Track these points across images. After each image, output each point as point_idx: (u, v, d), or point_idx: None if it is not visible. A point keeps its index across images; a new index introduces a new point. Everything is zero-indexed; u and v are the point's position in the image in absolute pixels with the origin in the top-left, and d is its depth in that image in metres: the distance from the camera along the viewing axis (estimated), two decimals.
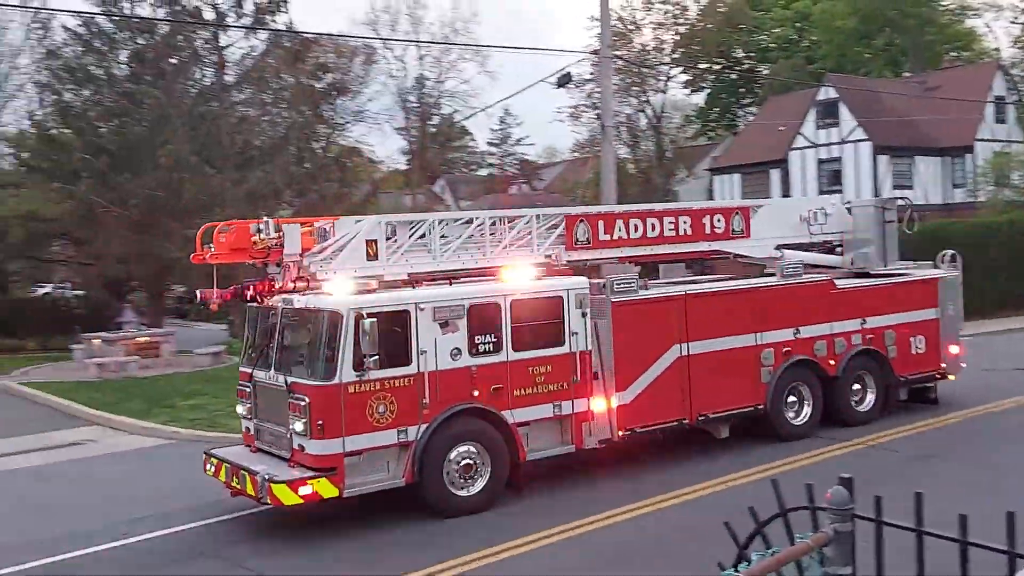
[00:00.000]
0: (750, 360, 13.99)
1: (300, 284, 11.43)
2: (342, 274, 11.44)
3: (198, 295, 11.71)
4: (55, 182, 33.37)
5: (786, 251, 15.44)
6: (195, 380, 24.37)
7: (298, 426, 10.83)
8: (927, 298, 16.08)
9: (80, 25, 34.00)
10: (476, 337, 11.62)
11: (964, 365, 16.85)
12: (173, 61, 33.87)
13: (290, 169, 33.89)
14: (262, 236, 11.10)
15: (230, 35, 35.71)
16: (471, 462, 11.57)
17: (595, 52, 26.35)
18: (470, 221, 12.66)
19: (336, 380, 10.68)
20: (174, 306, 45.17)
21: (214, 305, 11.49)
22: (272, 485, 10.45)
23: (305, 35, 37.19)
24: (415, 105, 58.36)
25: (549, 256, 13.10)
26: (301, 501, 10.54)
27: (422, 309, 11.24)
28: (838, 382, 14.98)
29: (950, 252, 16.91)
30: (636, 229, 13.90)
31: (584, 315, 12.47)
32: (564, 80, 24.73)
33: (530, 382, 12.03)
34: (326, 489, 10.62)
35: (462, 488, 11.53)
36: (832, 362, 14.87)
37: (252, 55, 36.29)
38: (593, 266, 14.82)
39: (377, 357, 10.68)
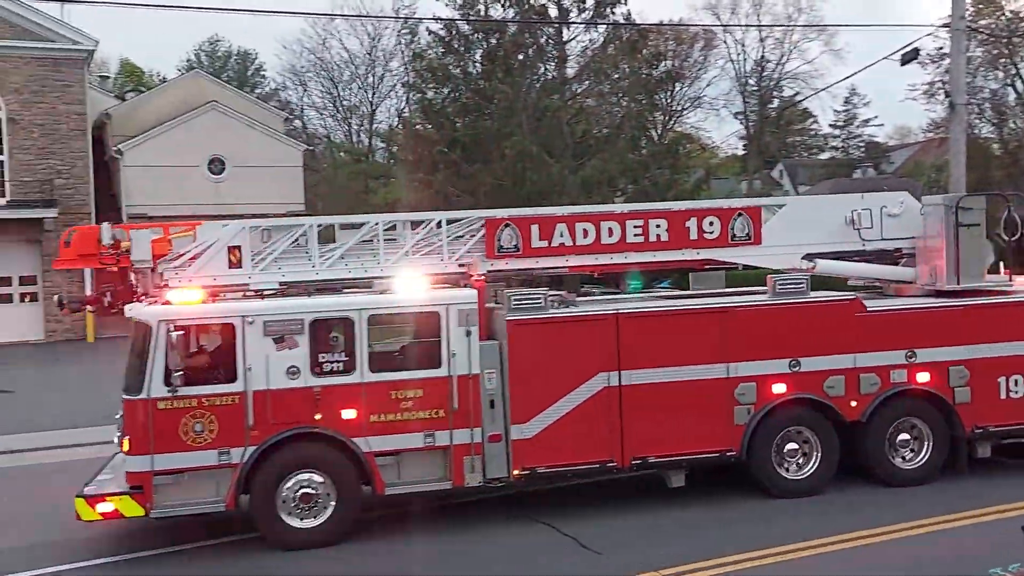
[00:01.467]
0: (717, 396, 11.36)
1: (154, 293, 11.10)
2: (199, 282, 10.92)
3: (55, 298, 11.82)
4: (418, 173, 37.18)
5: (821, 261, 12.38)
6: None
7: (123, 442, 10.54)
8: None
9: (442, 28, 37.97)
10: (320, 355, 10.55)
11: None
12: (520, 57, 36.54)
13: (625, 157, 35.04)
14: (104, 243, 10.91)
15: (571, 29, 37.83)
16: (311, 491, 10.53)
17: (945, 25, 23.33)
18: (359, 225, 11.52)
19: (144, 395, 10.21)
20: None
21: (73, 309, 11.53)
22: (76, 499, 10.25)
23: (643, 26, 38.52)
24: (754, 88, 56.92)
25: (464, 265, 11.59)
26: (100, 518, 10.23)
27: (250, 322, 10.41)
28: (864, 430, 11.73)
29: None
30: (586, 235, 11.83)
31: (468, 333, 10.85)
32: (910, 56, 21.77)
33: (394, 408, 10.70)
34: (128, 508, 10.20)
35: (303, 519, 10.55)
36: (854, 404, 11.65)
37: (592, 47, 38.17)
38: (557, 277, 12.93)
39: (182, 372, 10.07)
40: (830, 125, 72.21)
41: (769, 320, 11.54)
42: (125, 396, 10.49)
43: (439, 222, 11.66)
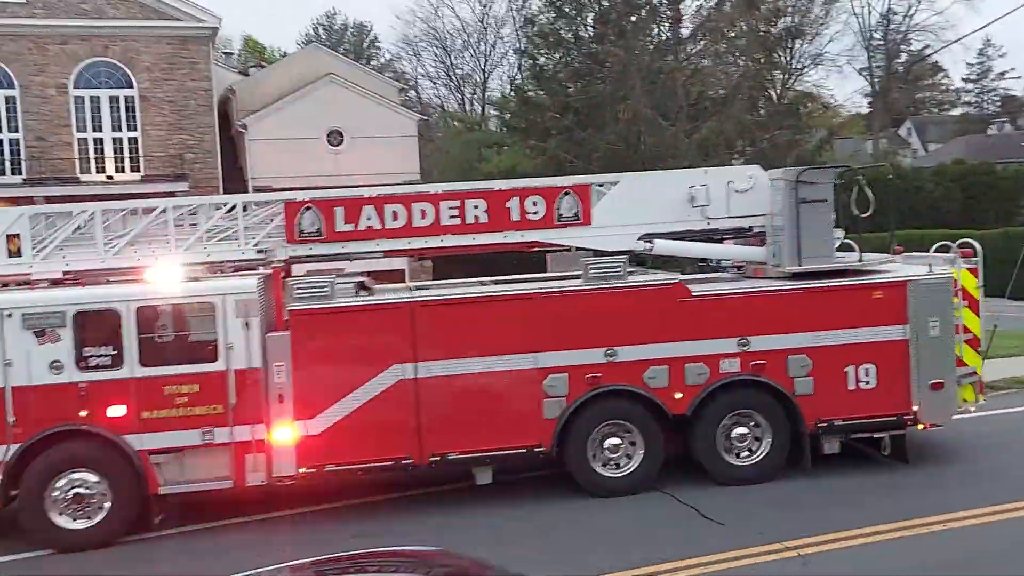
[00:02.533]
0: (525, 388, 10.58)
1: None
2: None
3: None
4: (531, 140, 37.09)
5: (659, 242, 11.48)
6: None
7: None
8: (885, 311, 11.01)
9: None
10: (86, 349, 10.02)
11: (971, 410, 11.44)
12: (633, 19, 35.56)
13: (742, 118, 34.05)
14: None
15: None
16: (84, 491, 10.05)
17: None
18: (150, 211, 10.94)
19: None
20: None
21: None
22: None
23: None
24: (880, 43, 55.02)
25: (263, 252, 10.97)
26: None
27: (9, 315, 9.91)
28: (693, 424, 10.86)
29: (959, 243, 11.55)
30: (396, 217, 11.10)
31: (248, 325, 10.22)
32: None
33: (167, 403, 10.15)
34: None
35: (75, 519, 10.08)
36: (678, 396, 10.77)
37: (707, 6, 36.94)
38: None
39: None
40: (962, 79, 69.91)
41: (581, 306, 10.70)
42: None
43: (232, 206, 11.06)
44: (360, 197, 11.21)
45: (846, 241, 12.21)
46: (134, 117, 32.59)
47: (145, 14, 32.55)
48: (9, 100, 31.32)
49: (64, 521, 10.07)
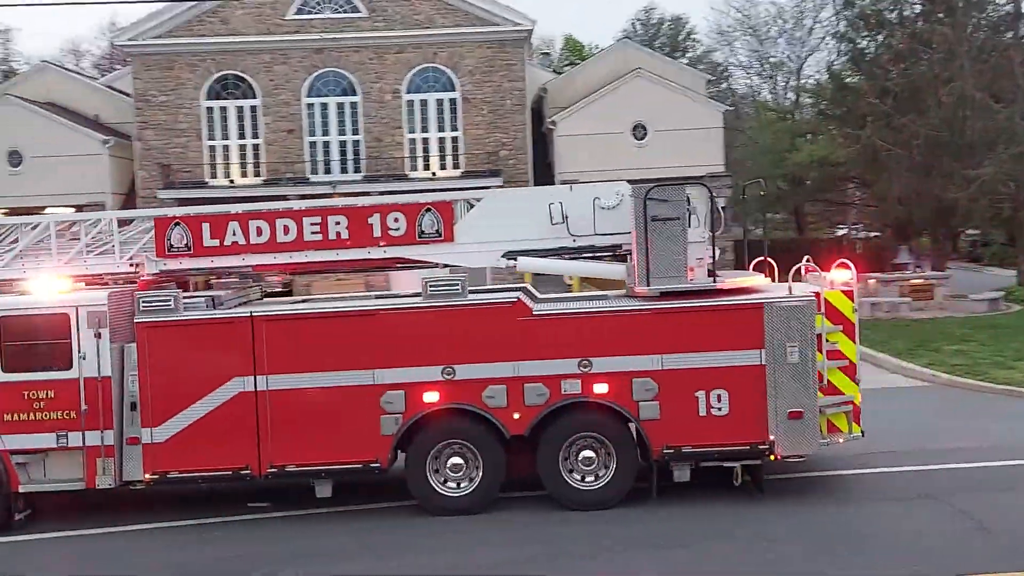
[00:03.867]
0: (363, 404, 10.70)
1: None
2: None
3: None
4: (846, 127, 37.57)
5: (523, 259, 11.38)
6: (966, 325, 24.54)
7: None
8: (739, 334, 10.52)
9: None
10: None
11: (837, 439, 10.78)
12: None
13: None
14: None
15: None
16: None
17: None
18: (35, 226, 11.72)
19: None
20: (967, 249, 48.67)
21: None
22: None
23: None
24: None
25: (136, 265, 11.56)
26: None
27: None
28: (534, 445, 10.70)
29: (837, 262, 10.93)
30: (259, 233, 11.46)
31: (99, 336, 10.81)
32: None
33: (27, 407, 10.87)
34: None
35: None
36: (517, 416, 10.63)
37: None
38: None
39: None
40: None
41: (419, 324, 10.73)
42: None
43: (114, 219, 11.70)
44: (226, 214, 11.61)
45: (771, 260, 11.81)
46: (456, 118, 35.76)
47: (469, 21, 35.50)
48: (353, 106, 35.60)
49: None
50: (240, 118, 35.60)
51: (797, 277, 11.05)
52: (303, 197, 30.64)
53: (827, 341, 10.74)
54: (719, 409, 10.57)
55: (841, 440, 10.86)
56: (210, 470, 10.87)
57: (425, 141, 35.83)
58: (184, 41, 34.96)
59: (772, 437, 10.48)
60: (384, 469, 10.79)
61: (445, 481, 10.85)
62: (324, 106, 35.69)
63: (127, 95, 36.69)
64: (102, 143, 35.38)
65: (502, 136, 35.71)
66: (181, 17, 34.92)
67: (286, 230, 11.46)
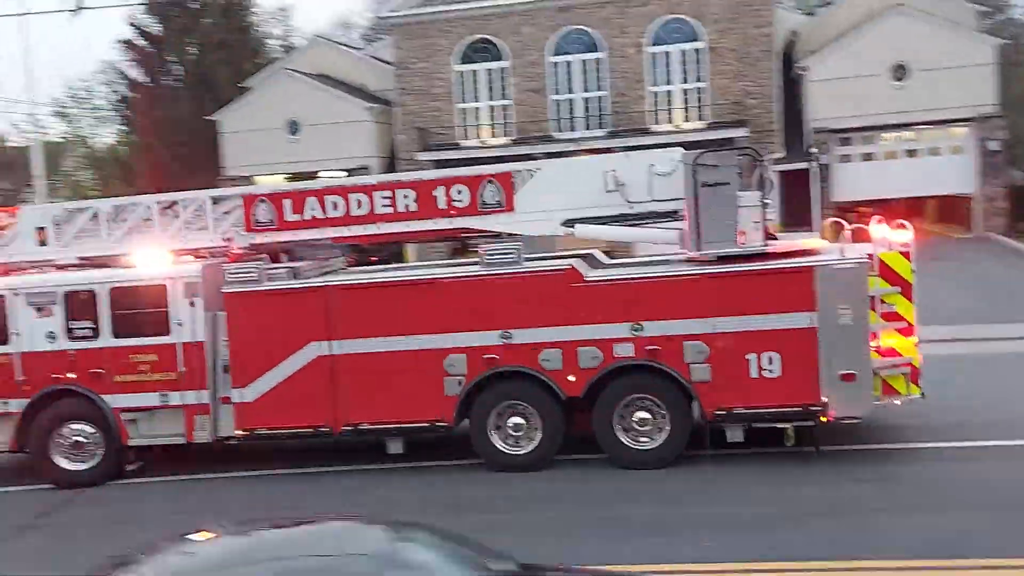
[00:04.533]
0: (428, 367, 11.37)
1: None
2: (18, 259, 12.97)
3: None
4: None
5: (580, 226, 11.76)
6: None
7: None
8: (790, 297, 10.59)
9: None
10: (72, 323, 12.14)
11: (894, 400, 10.72)
12: None
13: None
14: None
15: None
16: (82, 440, 12.24)
17: None
18: (138, 206, 12.88)
19: None
20: None
21: None
22: None
23: None
24: None
25: (228, 239, 12.58)
26: None
27: (17, 295, 12.24)
28: (589, 406, 11.12)
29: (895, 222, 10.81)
30: (336, 207, 12.25)
31: (192, 304, 11.88)
32: None
33: (133, 369, 12.08)
34: None
35: (75, 462, 12.30)
36: (572, 378, 11.07)
37: None
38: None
39: None
40: None
41: (478, 291, 11.28)
42: None
43: (208, 198, 12.73)
44: (305, 190, 12.46)
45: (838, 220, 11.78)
46: (700, 68, 35.58)
47: None
48: (596, 62, 36.17)
49: (65, 463, 12.32)
50: (490, 80, 37.10)
51: (860, 237, 10.98)
52: (549, 155, 31.32)
53: (883, 303, 10.67)
54: (771, 371, 10.70)
55: (898, 402, 10.81)
56: (293, 427, 11.81)
57: (668, 94, 35.94)
58: (439, 9, 36.55)
59: (824, 399, 10.53)
60: (450, 427, 11.45)
61: (507, 438, 11.42)
62: (568, 64, 36.43)
63: (388, 63, 38.88)
64: (367, 110, 38.11)
65: (748, 85, 34.99)
66: None
67: (359, 204, 12.19)
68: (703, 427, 11.02)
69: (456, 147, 36.56)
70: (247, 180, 34.51)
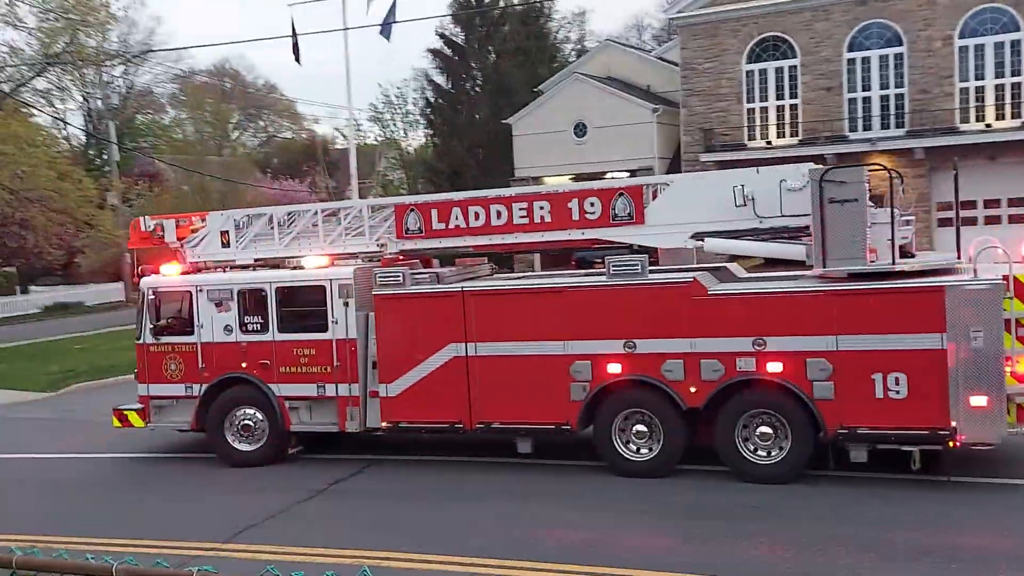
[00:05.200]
0: (555, 371, 11.87)
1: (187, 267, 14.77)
2: (205, 259, 14.55)
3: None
4: None
5: (709, 240, 11.92)
6: None
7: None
8: (919, 318, 10.32)
9: None
10: (245, 317, 13.51)
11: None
12: None
13: None
14: (142, 229, 14.93)
15: None
16: (249, 423, 13.62)
17: None
18: (304, 213, 14.09)
19: (141, 341, 14.17)
20: None
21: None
22: (114, 410, 14.59)
23: None
24: None
25: (382, 245, 13.59)
26: (120, 425, 14.42)
27: (200, 291, 13.74)
28: (711, 418, 11.27)
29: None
30: (477, 217, 12.97)
31: (347, 304, 12.93)
32: None
33: (295, 362, 13.30)
34: (136, 420, 14.28)
35: (244, 443, 13.69)
36: (693, 390, 11.26)
37: None
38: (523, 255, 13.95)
39: (154, 327, 13.83)
40: None
41: (604, 300, 11.65)
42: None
43: (366, 207, 13.79)
44: (450, 200, 13.26)
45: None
46: (1019, 61, 32.63)
47: None
48: (896, 57, 34.60)
49: (237, 444, 13.73)
50: (779, 79, 36.55)
51: (992, 258, 10.56)
52: (840, 156, 32.09)
53: (1021, 326, 10.21)
54: (897, 392, 10.47)
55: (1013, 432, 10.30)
56: (432, 422, 12.64)
57: (979, 90, 33.50)
58: (727, 8, 36.64)
59: (954, 423, 10.21)
60: (574, 431, 11.91)
61: (629, 444, 11.75)
62: (865, 60, 35.02)
63: (675, 64, 39.65)
64: (651, 111, 39.14)
65: None
66: None
67: (499, 215, 12.86)
68: (825, 445, 10.92)
69: (742, 147, 36.39)
70: (536, 180, 36.65)
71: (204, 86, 67.42)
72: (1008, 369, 10.18)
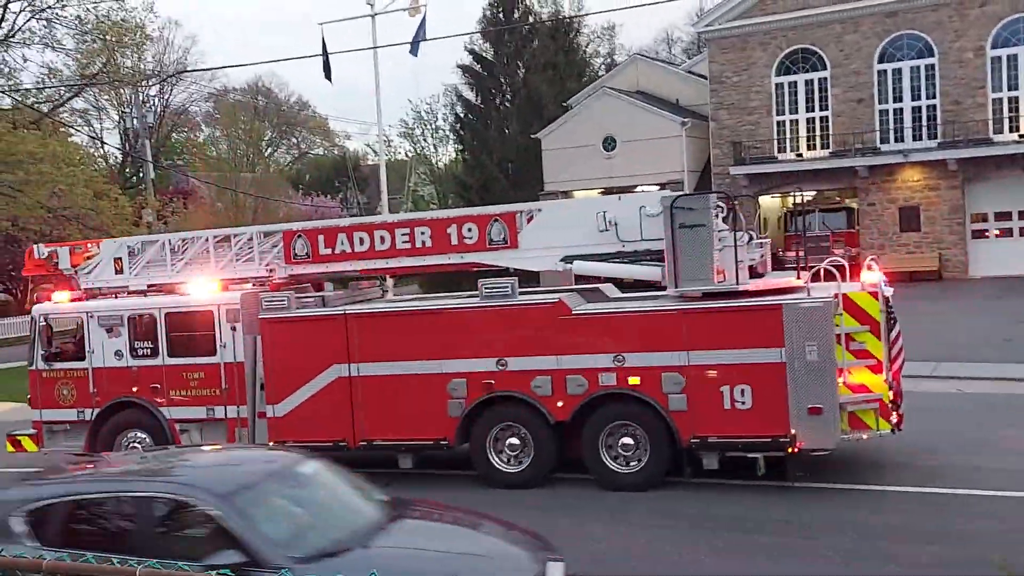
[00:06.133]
0: (434, 390, 12.47)
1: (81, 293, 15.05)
2: (98, 285, 14.84)
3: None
4: None
5: (577, 262, 12.65)
6: None
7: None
8: (761, 333, 11.17)
9: None
10: (135, 343, 13.86)
11: (862, 435, 11.13)
12: None
13: None
14: (36, 257, 15.19)
15: None
16: (137, 447, 13.93)
17: None
18: (197, 239, 14.51)
19: (34, 367, 14.41)
20: None
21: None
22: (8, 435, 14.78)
23: None
24: None
25: (271, 270, 14.06)
26: (13, 450, 14.62)
27: (91, 317, 14.06)
28: (577, 430, 11.97)
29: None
30: (362, 242, 13.54)
31: (234, 328, 13.37)
32: None
33: (185, 385, 13.68)
34: (29, 445, 14.50)
35: None
36: (560, 404, 11.96)
37: None
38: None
39: (46, 353, 14.09)
40: None
41: (477, 320, 12.31)
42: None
43: (257, 233, 14.26)
44: (336, 227, 13.82)
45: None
46: None
47: None
48: (928, 68, 35.00)
49: None
50: (808, 91, 36.95)
51: (824, 277, 11.48)
52: (872, 168, 32.42)
53: (853, 340, 11.12)
54: (743, 403, 11.29)
55: (866, 436, 11.20)
56: (317, 441, 12.99)
57: (1012, 100, 33.82)
58: (756, 21, 37.08)
59: (793, 431, 11.05)
60: (451, 446, 12.51)
61: (502, 456, 12.38)
62: (896, 71, 35.37)
63: (704, 78, 39.94)
64: (680, 125, 39.17)
65: None
66: None
67: (382, 240, 13.45)
68: (680, 454, 11.69)
69: (772, 160, 36.81)
70: (565, 195, 36.80)
71: (238, 104, 67.32)
72: (841, 380, 11.06)
